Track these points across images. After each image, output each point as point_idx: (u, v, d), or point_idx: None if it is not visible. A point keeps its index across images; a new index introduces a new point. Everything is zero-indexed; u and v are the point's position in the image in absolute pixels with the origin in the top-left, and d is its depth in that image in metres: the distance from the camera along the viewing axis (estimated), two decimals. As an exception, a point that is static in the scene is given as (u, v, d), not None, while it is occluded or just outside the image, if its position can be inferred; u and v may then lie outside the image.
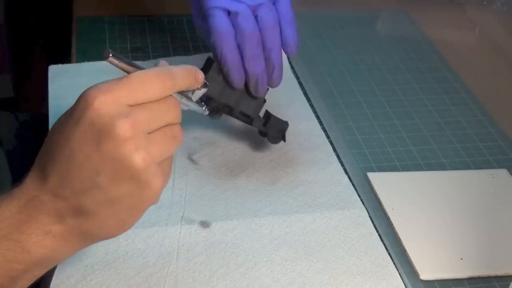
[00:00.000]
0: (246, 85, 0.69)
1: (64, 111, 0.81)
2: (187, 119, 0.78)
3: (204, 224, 0.67)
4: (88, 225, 0.49)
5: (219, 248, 0.65)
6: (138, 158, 0.47)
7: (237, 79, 0.68)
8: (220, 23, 0.67)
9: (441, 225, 0.70)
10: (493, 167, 0.79)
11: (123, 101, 0.47)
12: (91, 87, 0.47)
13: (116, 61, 0.48)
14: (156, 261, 0.63)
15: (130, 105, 0.47)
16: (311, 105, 0.85)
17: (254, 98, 0.71)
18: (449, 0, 1.11)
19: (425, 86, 0.93)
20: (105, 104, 0.46)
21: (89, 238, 0.51)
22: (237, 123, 0.75)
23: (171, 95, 0.50)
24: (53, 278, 0.60)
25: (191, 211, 0.68)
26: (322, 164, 0.76)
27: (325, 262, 0.65)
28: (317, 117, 0.83)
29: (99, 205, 0.48)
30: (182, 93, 0.52)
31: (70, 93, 0.81)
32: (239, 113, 0.71)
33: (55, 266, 0.58)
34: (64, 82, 0.83)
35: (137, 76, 0.48)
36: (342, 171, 0.75)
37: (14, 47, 1.81)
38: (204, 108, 0.57)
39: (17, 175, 0.84)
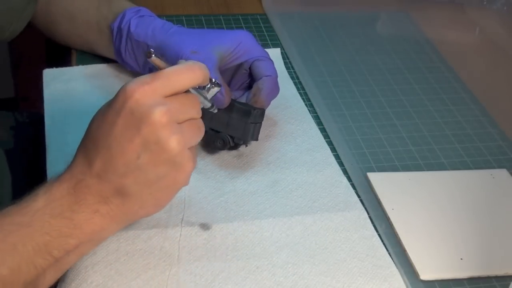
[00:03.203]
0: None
1: (60, 114, 0.82)
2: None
3: (205, 227, 0.67)
4: (130, 204, 0.55)
5: (220, 251, 0.65)
6: (174, 142, 0.53)
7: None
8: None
9: (441, 225, 0.70)
10: (493, 167, 0.79)
11: (158, 92, 0.53)
12: (129, 81, 0.53)
13: (157, 61, 0.54)
14: (157, 263, 0.63)
15: (164, 97, 0.53)
16: (310, 105, 0.85)
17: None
18: (449, 0, 1.11)
19: (425, 86, 0.93)
20: (143, 95, 0.52)
21: (130, 216, 0.57)
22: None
23: (193, 95, 0.56)
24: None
25: (190, 214, 0.68)
26: (321, 166, 0.76)
27: (327, 264, 0.64)
28: (317, 117, 0.83)
29: (139, 186, 0.54)
30: (199, 91, 0.58)
31: (65, 97, 0.82)
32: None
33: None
34: (59, 86, 0.83)
35: (171, 69, 0.54)
36: (341, 172, 0.75)
37: (14, 47, 1.81)
38: (214, 108, 0.62)
39: (16, 174, 0.84)
